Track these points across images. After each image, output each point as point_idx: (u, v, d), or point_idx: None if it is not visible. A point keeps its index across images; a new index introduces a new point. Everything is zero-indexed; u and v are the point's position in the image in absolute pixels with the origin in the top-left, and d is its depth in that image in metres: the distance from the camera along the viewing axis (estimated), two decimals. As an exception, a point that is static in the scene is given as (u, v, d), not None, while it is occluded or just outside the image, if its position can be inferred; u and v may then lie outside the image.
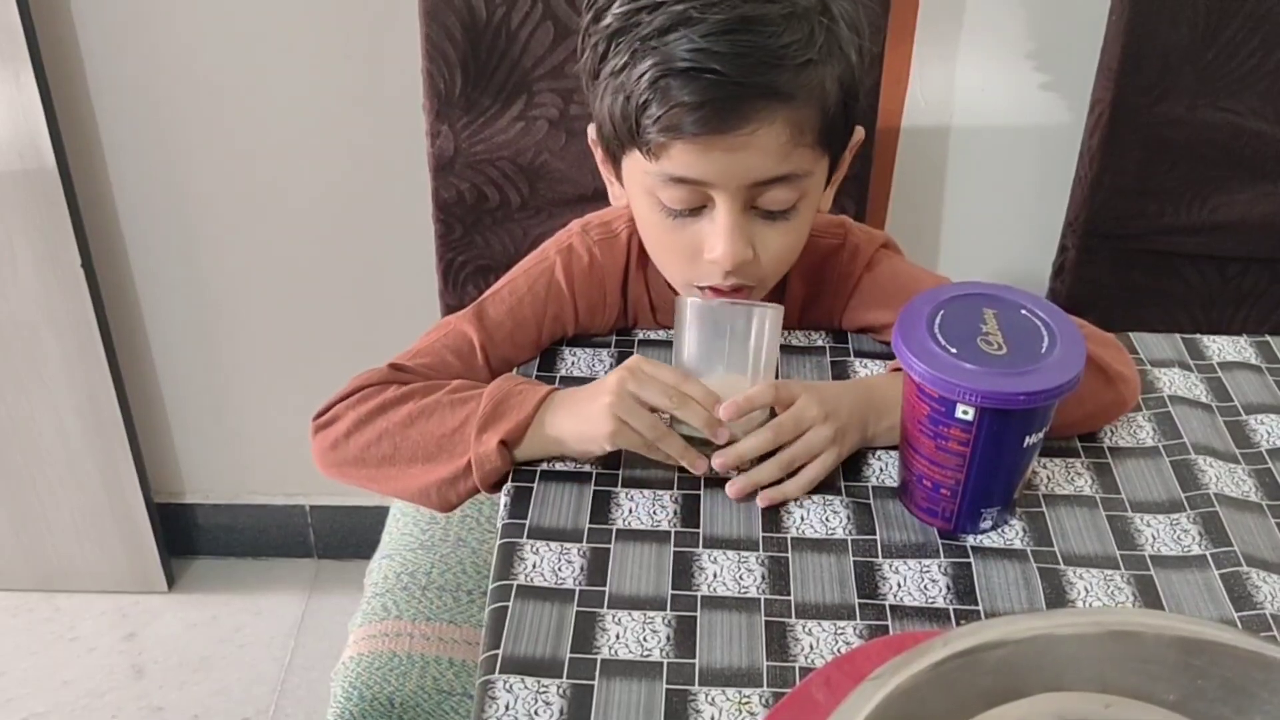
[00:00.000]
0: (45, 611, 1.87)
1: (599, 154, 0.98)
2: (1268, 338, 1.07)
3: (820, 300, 1.04)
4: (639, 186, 0.93)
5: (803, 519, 0.86)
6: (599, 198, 1.37)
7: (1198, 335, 1.07)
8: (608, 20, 0.88)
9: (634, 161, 0.91)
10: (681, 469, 0.89)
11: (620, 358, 1.01)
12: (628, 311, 1.06)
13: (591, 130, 0.98)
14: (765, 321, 0.87)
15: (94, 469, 1.77)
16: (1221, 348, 1.06)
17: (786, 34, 0.84)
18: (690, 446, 0.86)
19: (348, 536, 1.92)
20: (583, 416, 0.87)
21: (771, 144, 0.86)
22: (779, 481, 0.88)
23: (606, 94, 0.89)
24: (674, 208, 0.91)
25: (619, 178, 0.97)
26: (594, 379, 0.97)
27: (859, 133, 0.97)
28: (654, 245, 0.96)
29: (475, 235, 1.41)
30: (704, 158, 0.86)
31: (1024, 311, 0.83)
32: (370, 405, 0.94)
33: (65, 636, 1.84)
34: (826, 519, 0.86)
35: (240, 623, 1.86)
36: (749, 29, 0.83)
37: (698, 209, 0.91)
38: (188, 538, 1.94)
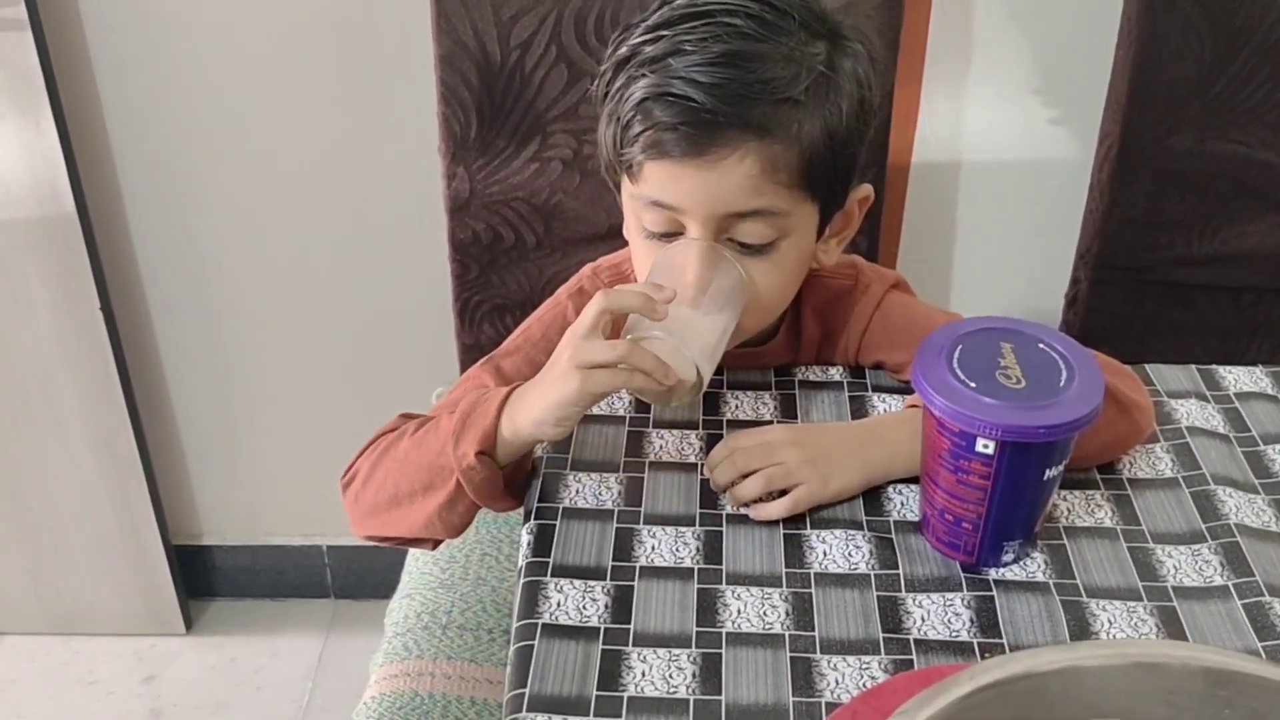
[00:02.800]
0: (64, 655, 1.87)
1: (613, 182, 1.01)
2: (1283, 368, 1.08)
3: (835, 340, 1.05)
4: (629, 210, 0.96)
5: (825, 554, 0.86)
6: (612, 236, 1.38)
7: (1214, 366, 1.07)
8: (621, 50, 0.91)
9: (624, 185, 0.95)
10: (703, 504, 0.90)
11: (636, 402, 1.01)
12: None
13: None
14: (724, 265, 0.91)
15: (111, 511, 1.78)
16: (1238, 378, 1.06)
17: (770, 71, 0.87)
18: (661, 359, 0.86)
19: (365, 576, 1.92)
20: (545, 391, 0.87)
21: (742, 175, 0.88)
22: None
23: (604, 118, 0.93)
24: (653, 230, 0.93)
25: (616, 192, 0.99)
26: (611, 418, 0.98)
27: (865, 189, 0.99)
28: (640, 270, 0.98)
29: (491, 275, 1.43)
30: (677, 182, 0.89)
31: (1041, 345, 0.84)
32: (379, 452, 0.96)
33: (84, 680, 1.84)
34: (849, 553, 0.86)
35: (258, 664, 1.86)
36: (734, 63, 0.86)
37: (674, 235, 0.93)
38: (205, 579, 1.94)
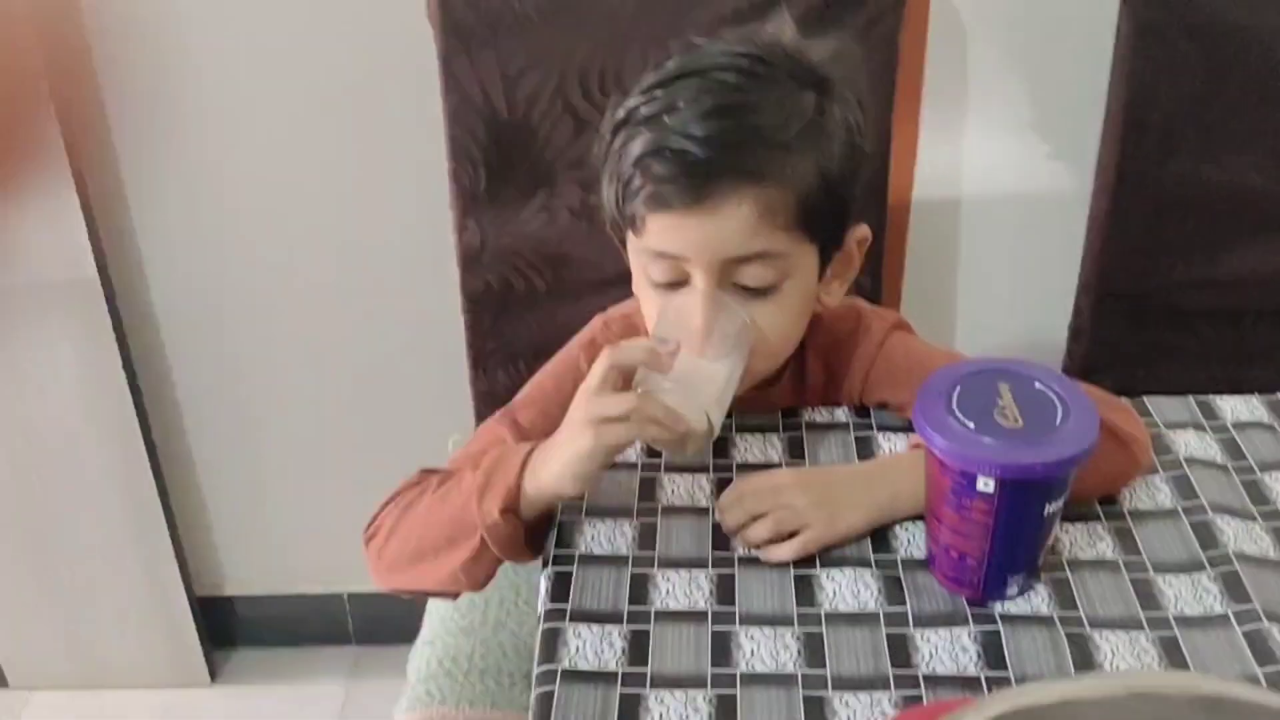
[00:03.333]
0: (91, 709, 1.89)
1: (619, 239, 1.03)
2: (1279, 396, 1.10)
3: (839, 381, 1.07)
4: (635, 264, 0.99)
5: (835, 593, 0.88)
6: (622, 282, 1.40)
7: (1210, 396, 1.09)
8: (618, 114, 0.94)
9: (630, 240, 0.97)
10: (716, 547, 0.92)
11: (649, 448, 1.03)
12: None
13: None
14: (730, 312, 0.93)
15: (136, 564, 1.81)
16: (1234, 408, 1.08)
17: (760, 119, 0.90)
18: (671, 408, 0.89)
19: (386, 622, 1.93)
20: (562, 447, 0.90)
21: (740, 221, 0.91)
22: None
23: (606, 178, 0.96)
24: (659, 280, 0.96)
25: (621, 248, 1.02)
26: (623, 464, 1.01)
27: (863, 230, 1.02)
28: (649, 321, 1.01)
29: (504, 323, 1.45)
30: (678, 232, 0.92)
31: (1037, 384, 0.86)
32: (401, 506, 0.99)
33: (112, 733, 1.86)
34: (858, 592, 0.88)
35: (283, 712, 1.88)
36: (725, 114, 0.90)
37: (680, 283, 0.95)
38: (228, 629, 1.96)
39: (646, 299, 1.00)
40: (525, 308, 1.45)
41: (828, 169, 0.93)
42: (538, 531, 0.96)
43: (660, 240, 0.93)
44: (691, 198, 0.90)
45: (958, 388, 0.86)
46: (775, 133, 0.90)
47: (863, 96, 0.97)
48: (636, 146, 0.91)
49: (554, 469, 0.90)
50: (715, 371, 0.92)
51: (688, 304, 0.94)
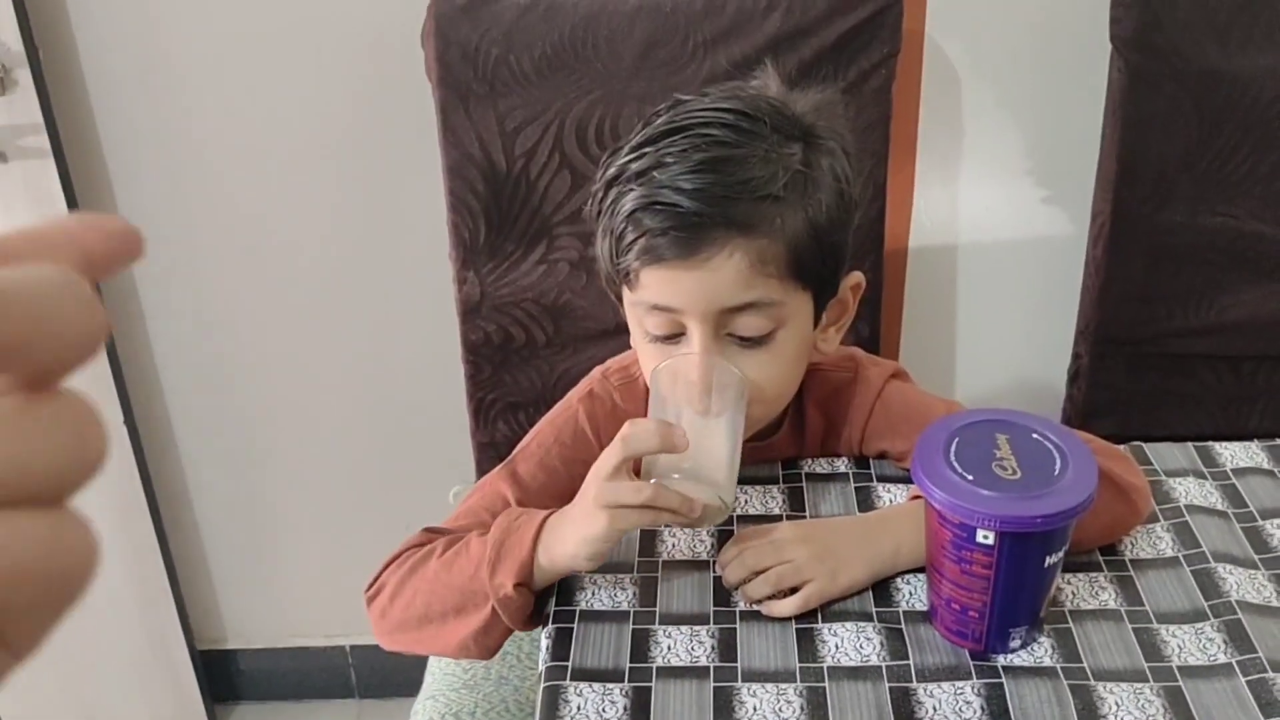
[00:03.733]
0: (93, 764, 1.88)
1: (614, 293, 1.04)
2: (1279, 442, 1.10)
3: (838, 431, 1.07)
4: (631, 318, 0.99)
5: (837, 647, 0.88)
6: (620, 332, 1.40)
7: (1210, 443, 1.10)
8: (609, 171, 0.95)
9: (625, 295, 0.98)
10: (717, 602, 0.92)
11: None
12: None
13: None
14: (728, 380, 0.92)
15: (137, 619, 1.80)
16: (1234, 454, 1.08)
17: (749, 171, 0.91)
18: (685, 496, 0.88)
19: (389, 676, 1.93)
20: (576, 528, 0.90)
21: (732, 271, 0.91)
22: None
23: (600, 234, 0.97)
24: (655, 333, 0.96)
25: (617, 302, 1.02)
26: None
27: (856, 276, 1.02)
28: (646, 373, 1.01)
29: (504, 374, 1.46)
30: (672, 285, 0.92)
31: (1035, 435, 0.87)
32: (406, 568, 0.98)
33: (113, 789, 1.85)
34: (860, 645, 0.88)
35: (285, 767, 1.87)
36: (714, 169, 0.90)
37: (677, 336, 0.96)
38: (230, 684, 1.96)
39: (644, 353, 1.00)
40: (525, 359, 1.45)
41: (817, 218, 0.93)
42: (545, 596, 0.96)
43: (654, 294, 0.94)
44: (684, 250, 0.90)
45: (956, 439, 0.86)
46: (763, 185, 0.91)
47: (849, 146, 0.98)
48: (628, 202, 0.92)
49: (568, 548, 0.90)
50: (720, 448, 0.91)
51: (684, 360, 0.94)
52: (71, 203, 1.50)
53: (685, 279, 0.92)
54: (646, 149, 0.92)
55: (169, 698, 1.88)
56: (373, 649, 1.90)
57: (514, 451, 1.07)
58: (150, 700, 1.88)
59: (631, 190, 0.92)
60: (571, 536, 0.90)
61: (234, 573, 1.87)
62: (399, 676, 1.90)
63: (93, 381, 1.61)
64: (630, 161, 0.93)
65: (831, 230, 0.95)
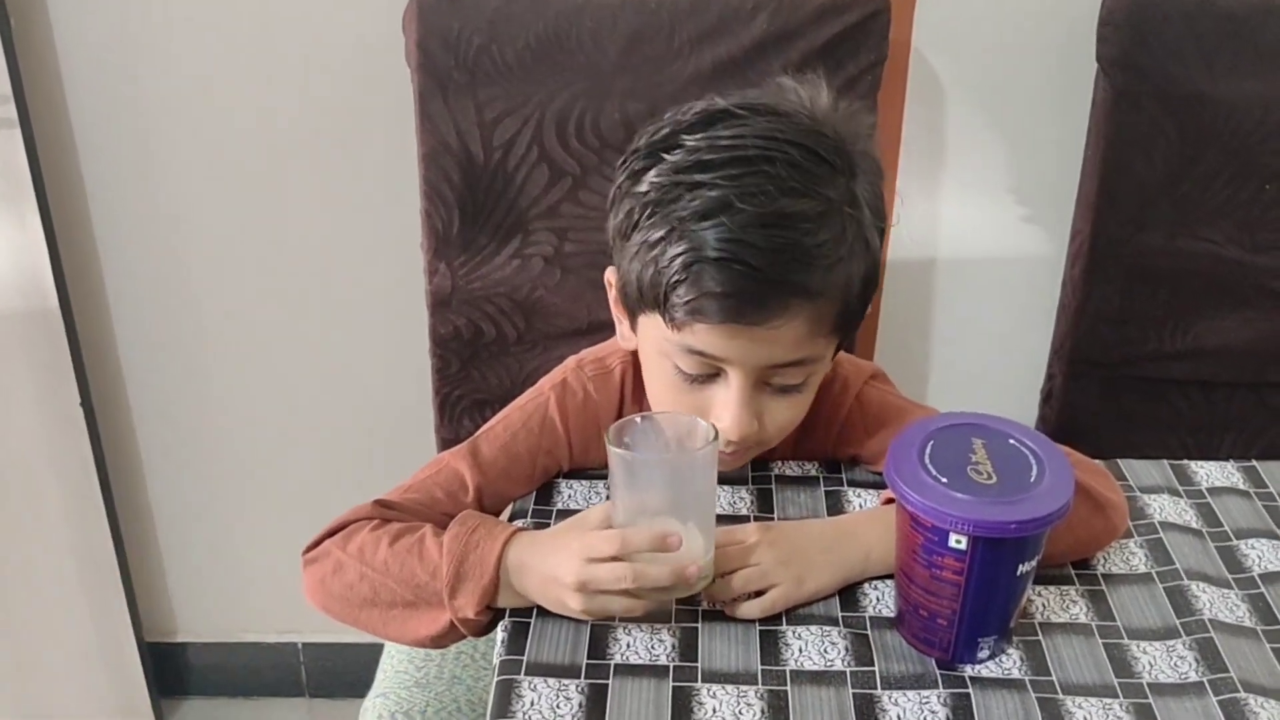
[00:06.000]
0: (32, 756, 1.84)
1: (613, 295, 1.00)
2: (1254, 463, 1.09)
3: (813, 433, 1.05)
4: (654, 345, 0.95)
5: (801, 650, 0.86)
6: (593, 331, 1.40)
7: (1186, 461, 1.08)
8: (644, 188, 0.90)
9: (654, 323, 0.93)
10: (679, 601, 0.89)
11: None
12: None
13: (610, 274, 1.00)
14: (696, 464, 0.87)
15: (86, 608, 1.76)
16: (1210, 473, 1.07)
17: (821, 232, 0.86)
18: (669, 575, 0.85)
19: (341, 674, 1.90)
20: (548, 585, 0.87)
21: (791, 334, 0.89)
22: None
23: (637, 259, 0.91)
24: (689, 373, 0.93)
25: (633, 327, 0.98)
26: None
27: None
28: (660, 400, 0.98)
29: (472, 370, 1.43)
30: (726, 341, 0.89)
31: (1012, 441, 0.85)
32: (353, 545, 0.95)
33: (52, 781, 1.80)
34: (824, 650, 0.86)
35: (232, 764, 1.83)
36: (784, 225, 0.85)
37: (711, 377, 0.93)
38: (178, 678, 1.92)
39: (663, 380, 0.96)
40: (494, 355, 1.43)
41: (869, 268, 0.92)
42: None
43: (702, 343, 0.90)
44: (748, 315, 0.87)
45: (931, 442, 0.84)
46: (833, 247, 0.87)
47: (880, 168, 0.95)
48: (683, 248, 0.86)
49: (539, 599, 0.89)
50: (695, 532, 0.87)
51: (715, 399, 0.92)
52: (36, 174, 1.47)
53: (740, 336, 0.88)
54: (700, 177, 0.87)
55: (115, 690, 1.83)
56: (325, 647, 1.87)
57: (478, 431, 1.04)
58: (96, 692, 1.83)
59: (690, 233, 0.86)
60: (542, 592, 0.88)
61: (186, 564, 1.84)
62: (350, 675, 1.87)
63: (50, 364, 1.57)
64: (681, 187, 0.87)
65: (876, 276, 0.93)
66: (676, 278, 0.87)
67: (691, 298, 0.87)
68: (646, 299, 0.91)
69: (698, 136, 0.89)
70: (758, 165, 0.86)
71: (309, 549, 0.98)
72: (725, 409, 0.92)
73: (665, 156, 0.89)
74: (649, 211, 0.89)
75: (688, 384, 0.93)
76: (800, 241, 0.86)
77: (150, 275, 1.60)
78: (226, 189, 1.54)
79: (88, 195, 1.54)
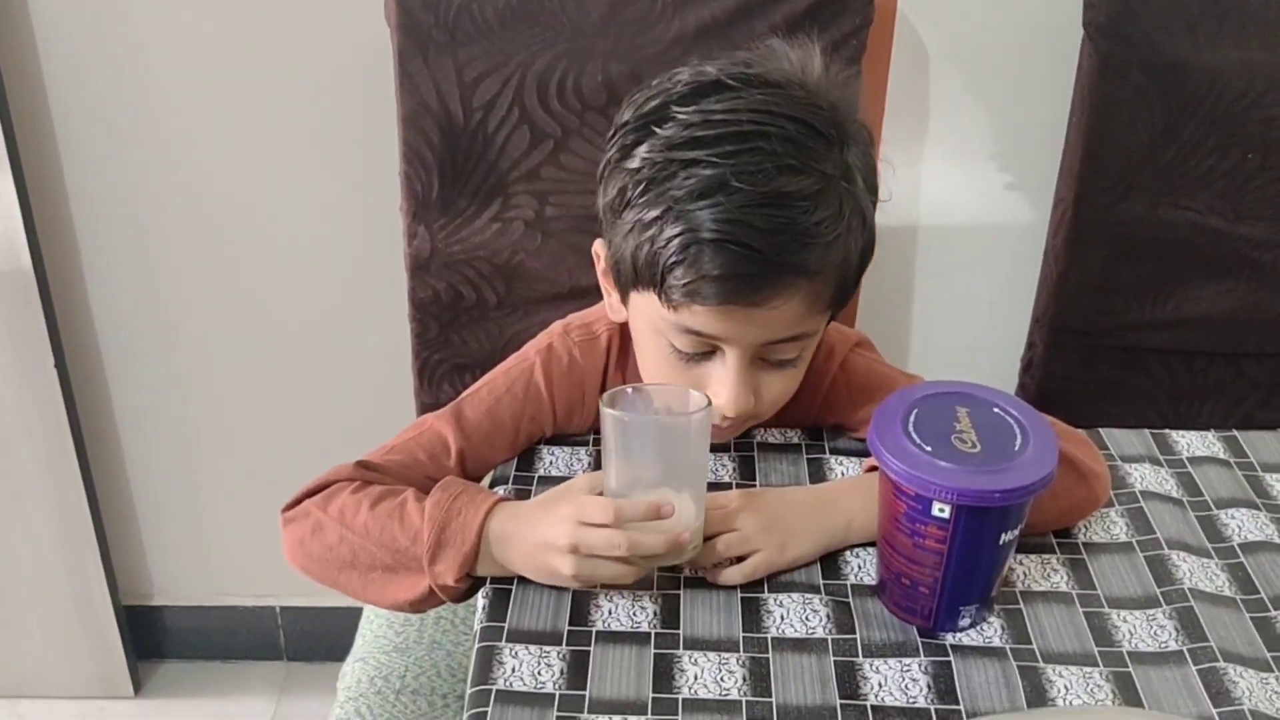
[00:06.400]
0: (9, 718, 1.83)
1: (601, 267, 0.99)
2: (1235, 433, 1.09)
3: (798, 400, 1.05)
4: (647, 321, 0.94)
5: (782, 618, 0.86)
6: (574, 296, 1.39)
7: (1166, 431, 1.09)
8: (636, 163, 0.88)
9: (648, 301, 0.91)
10: (661, 568, 0.89)
11: (599, 456, 1.01)
12: None
13: (599, 246, 0.99)
14: (690, 431, 0.86)
15: (61, 570, 1.75)
16: (1190, 443, 1.07)
17: (819, 210, 0.85)
18: (664, 541, 0.85)
19: (319, 639, 1.89)
20: (536, 552, 0.87)
21: (789, 313, 0.88)
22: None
23: (630, 238, 0.89)
24: (684, 351, 0.92)
25: (624, 300, 0.97)
26: (572, 477, 0.98)
27: None
28: (653, 376, 0.97)
29: (452, 334, 1.42)
30: (723, 320, 0.88)
31: (996, 409, 0.85)
32: (333, 506, 0.94)
33: (28, 744, 1.80)
34: (806, 618, 0.86)
35: (208, 728, 1.83)
36: (782, 204, 0.84)
37: (707, 354, 0.92)
38: (155, 641, 1.91)
39: (657, 357, 0.95)
40: (474, 319, 1.42)
41: (866, 242, 0.91)
42: None
43: (699, 323, 0.89)
44: (747, 295, 0.86)
45: (915, 410, 0.84)
46: (832, 225, 0.86)
47: (870, 136, 0.94)
48: (679, 229, 0.85)
49: (523, 568, 0.88)
50: (688, 500, 0.87)
51: (711, 375, 0.92)
52: (9, 133, 1.44)
53: (737, 315, 0.88)
54: (698, 154, 0.85)
55: (91, 653, 1.83)
56: (303, 611, 1.87)
57: (462, 395, 1.03)
58: (72, 655, 1.82)
59: (685, 213, 0.85)
60: (528, 561, 0.87)
61: (164, 527, 1.82)
62: (328, 639, 1.86)
63: (24, 325, 1.55)
64: (674, 163, 0.86)
65: (871, 251, 0.93)
66: (673, 259, 0.86)
67: (689, 280, 0.86)
68: (641, 278, 0.90)
69: (690, 109, 0.87)
70: (753, 141, 0.85)
71: (288, 507, 0.98)
72: (722, 386, 0.91)
73: (656, 130, 0.88)
74: (642, 189, 0.88)
75: (683, 361, 0.93)
76: (798, 220, 0.85)
77: (125, 236, 1.58)
78: (202, 149, 1.52)
79: (60, 155, 1.52)
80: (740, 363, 0.91)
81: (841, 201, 0.87)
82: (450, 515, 0.89)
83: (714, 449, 1.03)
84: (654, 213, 0.87)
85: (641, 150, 0.88)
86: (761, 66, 0.91)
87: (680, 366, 0.93)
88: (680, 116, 0.87)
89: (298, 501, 0.97)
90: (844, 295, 0.92)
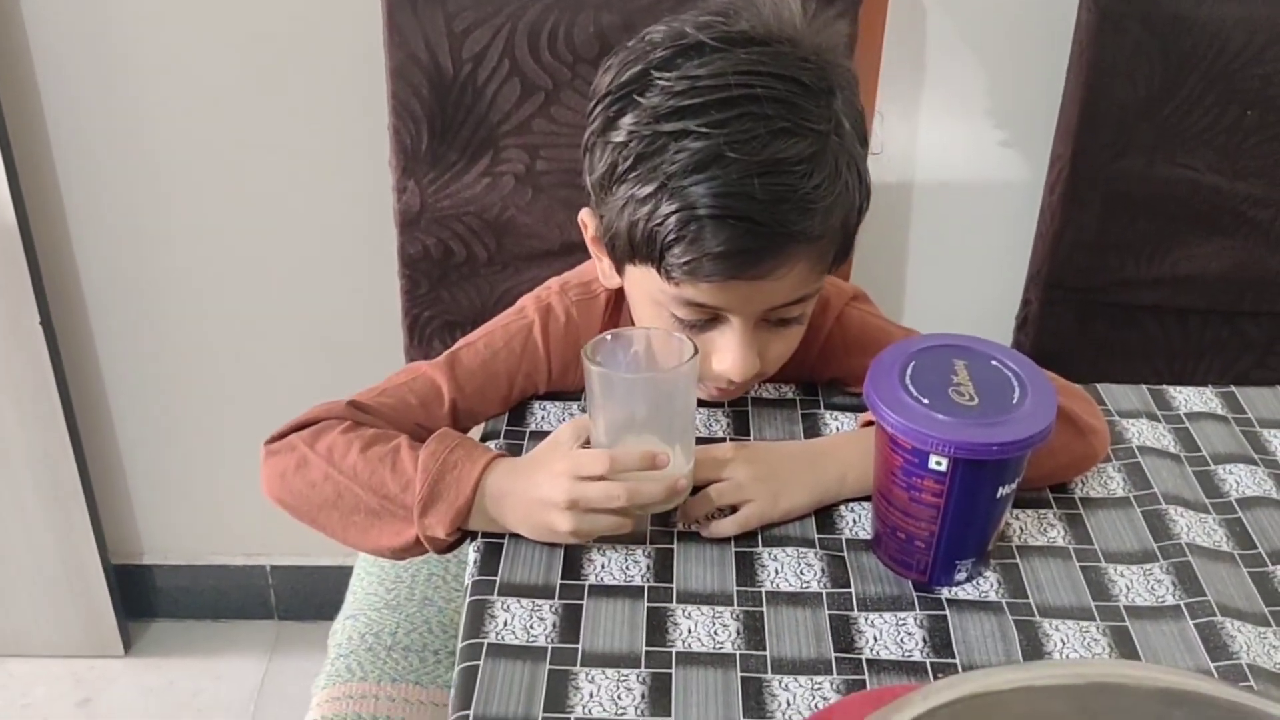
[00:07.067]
0: (-3, 677, 1.83)
1: (590, 235, 0.97)
2: (1233, 389, 1.08)
3: (793, 354, 1.04)
4: (645, 293, 0.92)
5: (777, 572, 0.85)
6: (565, 253, 1.37)
7: (1164, 386, 1.08)
8: (623, 136, 0.86)
9: (647, 275, 0.90)
10: (654, 522, 0.89)
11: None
12: None
13: (586, 215, 0.97)
14: (677, 383, 0.86)
15: (49, 529, 1.74)
16: (1188, 398, 1.06)
17: (816, 173, 0.83)
18: (662, 490, 0.84)
19: (309, 598, 1.89)
20: (538, 523, 0.86)
21: (793, 280, 0.87)
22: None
23: (624, 214, 0.87)
24: (687, 320, 0.91)
25: (619, 270, 0.95)
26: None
27: None
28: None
29: (441, 291, 1.41)
30: (726, 292, 0.87)
31: (994, 362, 0.84)
32: (321, 443, 0.93)
33: (17, 703, 1.79)
34: (801, 572, 0.85)
35: (199, 687, 1.82)
36: (780, 170, 0.82)
37: (710, 323, 0.91)
38: (145, 600, 1.90)
39: (654, 320, 0.93)
40: (465, 276, 1.40)
41: (862, 198, 0.90)
42: None
43: (701, 296, 0.87)
44: (751, 268, 0.84)
45: (912, 363, 0.83)
46: (829, 185, 0.85)
47: (855, 78, 0.91)
48: (676, 206, 0.83)
49: (519, 525, 0.87)
50: (677, 448, 0.86)
51: (715, 341, 0.91)
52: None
53: (742, 287, 0.86)
54: (690, 124, 0.82)
55: (80, 613, 1.82)
56: (293, 570, 1.86)
57: (457, 344, 1.02)
58: (61, 615, 1.82)
59: (680, 189, 0.83)
60: (525, 518, 0.86)
61: (152, 485, 1.81)
62: (318, 598, 1.86)
63: (8, 281, 1.54)
64: (663, 136, 0.83)
65: (868, 201, 0.91)
66: (671, 237, 0.84)
67: (690, 258, 0.84)
68: (639, 253, 0.88)
69: (672, 75, 0.85)
70: (743, 106, 0.83)
71: (272, 440, 0.96)
72: (727, 352, 0.90)
73: (639, 100, 0.85)
74: (632, 164, 0.86)
75: (685, 330, 0.91)
76: (797, 187, 0.83)
77: (111, 189, 1.55)
78: (190, 103, 1.49)
79: (44, 108, 1.49)
80: (745, 329, 0.90)
81: (837, 159, 0.86)
82: (445, 468, 0.88)
83: (709, 404, 1.02)
84: (647, 189, 0.85)
85: (627, 122, 0.86)
86: (739, 18, 0.88)
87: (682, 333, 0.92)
88: (662, 83, 0.85)
89: (283, 435, 0.96)
90: (845, 251, 0.91)
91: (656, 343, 0.88)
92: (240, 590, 1.89)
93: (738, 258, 0.84)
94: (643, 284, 0.92)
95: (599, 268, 1.00)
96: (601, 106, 0.89)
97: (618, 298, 1.02)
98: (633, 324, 0.99)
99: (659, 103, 0.84)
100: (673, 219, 0.83)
